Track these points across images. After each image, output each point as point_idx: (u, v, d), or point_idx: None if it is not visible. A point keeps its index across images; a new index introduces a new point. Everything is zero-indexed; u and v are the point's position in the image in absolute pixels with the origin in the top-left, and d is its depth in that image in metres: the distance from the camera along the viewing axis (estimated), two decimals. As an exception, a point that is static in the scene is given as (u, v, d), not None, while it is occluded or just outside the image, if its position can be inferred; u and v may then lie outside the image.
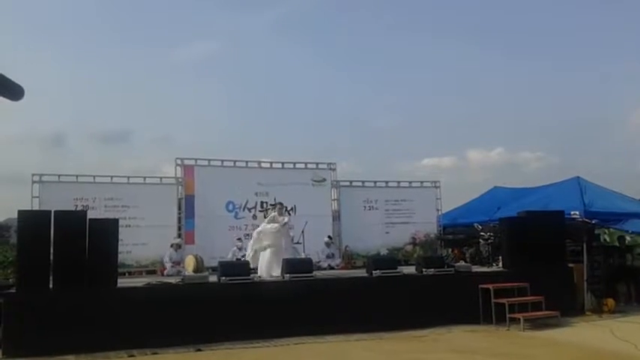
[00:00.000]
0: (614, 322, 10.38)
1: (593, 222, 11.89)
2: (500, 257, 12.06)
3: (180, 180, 13.36)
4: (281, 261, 10.37)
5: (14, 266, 9.80)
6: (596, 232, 12.76)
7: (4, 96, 1.71)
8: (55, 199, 11.20)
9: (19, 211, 8.83)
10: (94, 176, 12.84)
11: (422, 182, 15.99)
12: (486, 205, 15.13)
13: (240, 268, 9.96)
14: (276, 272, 10.47)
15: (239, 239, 12.77)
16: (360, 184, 15.33)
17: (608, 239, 15.86)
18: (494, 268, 11.92)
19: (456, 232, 14.97)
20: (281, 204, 11.82)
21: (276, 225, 11.14)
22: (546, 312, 10.17)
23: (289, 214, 11.99)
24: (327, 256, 13.26)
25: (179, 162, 13.46)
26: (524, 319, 9.81)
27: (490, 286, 10.27)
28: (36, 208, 11.34)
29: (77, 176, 12.74)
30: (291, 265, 10.18)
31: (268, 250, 10.97)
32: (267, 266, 10.75)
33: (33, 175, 12.19)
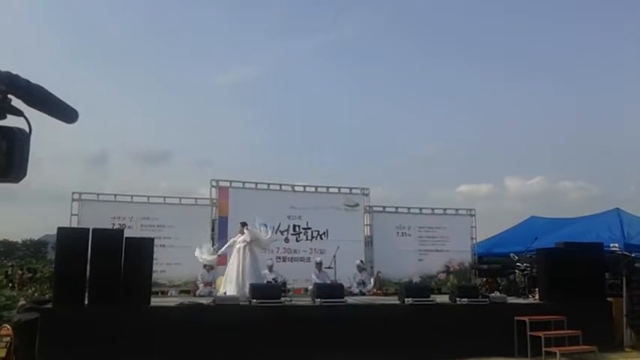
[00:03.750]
0: (656, 359, 9.98)
1: (633, 255, 11.53)
2: (536, 289, 11.77)
3: (214, 201, 13.52)
4: (239, 280, 10.43)
5: (51, 282, 10.04)
6: (637, 265, 12.35)
7: (59, 119, 1.78)
8: (93, 218, 11.45)
9: (59, 228, 9.07)
10: (132, 196, 13.11)
11: (457, 210, 15.80)
12: (523, 235, 14.85)
13: (271, 290, 9.97)
14: (230, 289, 10.46)
15: (270, 260, 12.79)
16: (393, 209, 15.23)
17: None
18: (530, 300, 11.64)
19: (491, 262, 14.71)
20: (242, 223, 11.40)
21: (238, 242, 11.06)
22: (584, 346, 9.83)
23: (246, 231, 11.22)
24: (359, 283, 13.14)
25: (214, 184, 13.64)
26: (560, 353, 9.50)
27: (526, 319, 10.00)
28: (74, 225, 11.61)
29: (115, 195, 13.04)
30: (323, 290, 10.15)
31: (231, 265, 10.91)
32: (225, 280, 10.80)
33: (73, 193, 12.53)
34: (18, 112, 1.64)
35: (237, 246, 11.02)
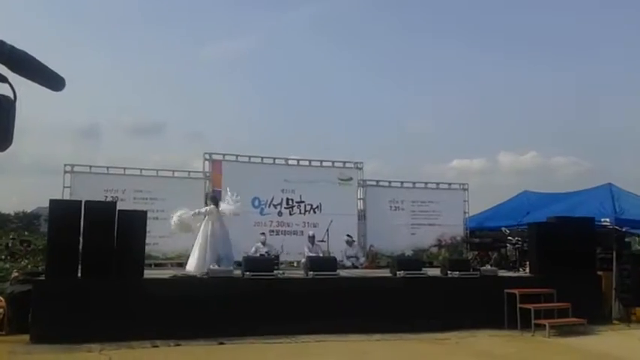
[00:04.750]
0: (642, 332, 10.15)
1: (624, 230, 11.62)
2: (527, 263, 11.89)
3: (207, 174, 13.47)
4: (201, 252, 10.19)
5: (44, 254, 10.02)
6: (627, 240, 12.48)
7: (45, 85, 1.74)
8: (85, 190, 11.40)
9: (51, 200, 9.04)
10: (124, 168, 13.04)
11: (450, 184, 15.83)
12: (515, 210, 14.93)
13: (264, 263, 10.03)
14: (190, 263, 10.27)
15: (262, 234, 12.82)
16: (386, 184, 15.24)
17: (639, 246, 15.54)
18: (520, 273, 11.77)
19: (483, 236, 14.79)
20: (211, 197, 11.22)
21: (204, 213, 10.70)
22: (573, 319, 9.99)
23: (214, 204, 10.90)
24: (349, 256, 13.18)
25: (207, 157, 13.57)
26: (549, 325, 9.65)
27: (516, 291, 10.12)
28: (67, 198, 11.55)
29: (108, 167, 12.97)
30: (316, 263, 10.21)
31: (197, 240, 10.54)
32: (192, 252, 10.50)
33: (65, 165, 12.43)
34: (2, 79, 1.61)
35: (205, 220, 10.66)
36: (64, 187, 12.22)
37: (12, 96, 1.62)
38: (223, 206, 10.85)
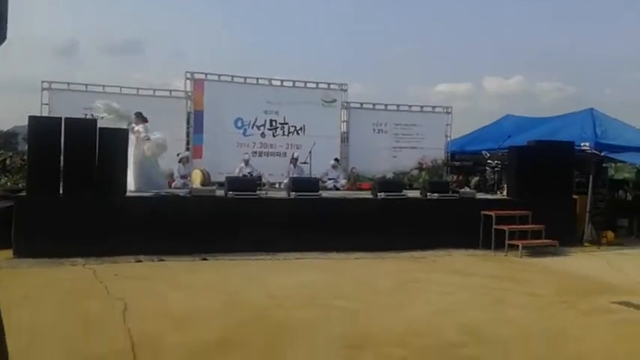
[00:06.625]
0: (611, 253, 10.57)
1: (603, 154, 11.79)
2: (504, 185, 12.10)
3: (189, 94, 13.26)
4: (133, 174, 10.09)
5: (24, 171, 9.96)
6: (605, 165, 12.69)
7: None
8: (64, 108, 11.16)
9: (30, 117, 8.93)
10: (104, 86, 12.75)
11: (434, 107, 15.75)
12: (497, 133, 14.95)
13: (247, 183, 10.10)
14: (129, 180, 9.94)
15: (246, 154, 12.83)
16: (370, 106, 15.14)
17: (614, 173, 15.86)
18: (498, 196, 12.00)
19: (464, 159, 14.93)
20: (136, 114, 10.73)
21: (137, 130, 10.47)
22: (545, 240, 10.33)
23: (145, 121, 10.66)
24: (330, 178, 13.27)
25: (189, 76, 13.30)
26: (522, 246, 9.99)
27: (492, 213, 10.38)
28: (45, 115, 11.35)
29: (87, 85, 12.67)
30: (298, 184, 10.32)
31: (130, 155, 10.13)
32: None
33: (43, 82, 12.13)
34: None
35: (138, 135, 10.42)
36: (42, 104, 11.97)
37: None
38: (152, 135, 10.58)
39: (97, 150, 8.86)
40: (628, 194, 13.89)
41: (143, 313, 5.42)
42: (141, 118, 10.65)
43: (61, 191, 8.62)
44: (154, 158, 10.63)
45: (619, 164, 15.82)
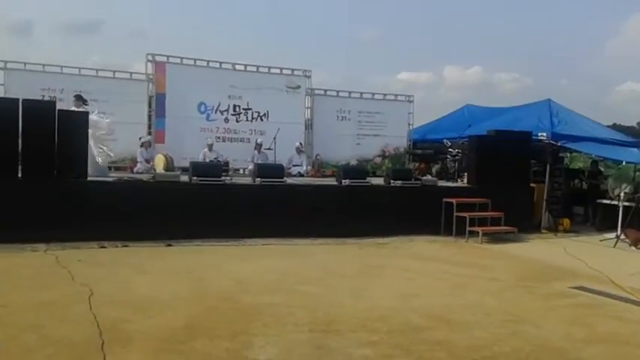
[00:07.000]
0: (567, 240, 10.99)
1: (559, 144, 12.17)
2: (465, 174, 12.38)
3: (150, 77, 13.01)
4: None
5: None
6: (561, 155, 13.10)
7: None
8: (20, 89, 10.81)
9: (-15, 98, 8.60)
10: (62, 67, 12.39)
11: (396, 96, 15.96)
12: (457, 123, 15.28)
13: (212, 169, 10.02)
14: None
15: (210, 139, 12.71)
16: (334, 93, 15.20)
17: (569, 162, 16.40)
18: (459, 184, 12.28)
19: (425, 148, 15.17)
20: (77, 96, 10.33)
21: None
22: (504, 227, 10.65)
23: (85, 103, 10.29)
24: (294, 164, 13.31)
25: (150, 58, 13.04)
26: (482, 232, 10.28)
27: (453, 200, 10.62)
28: (1, 96, 10.97)
29: (44, 65, 12.27)
30: (263, 170, 10.31)
31: None
32: None
33: (-3, 61, 11.72)
34: None
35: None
36: (-4, 84, 11.58)
37: None
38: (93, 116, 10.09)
39: (57, 132, 8.63)
40: (583, 183, 14.41)
41: (109, 300, 5.36)
42: (81, 100, 10.33)
43: (20, 174, 8.38)
44: (92, 141, 10.26)
45: (574, 154, 16.37)
